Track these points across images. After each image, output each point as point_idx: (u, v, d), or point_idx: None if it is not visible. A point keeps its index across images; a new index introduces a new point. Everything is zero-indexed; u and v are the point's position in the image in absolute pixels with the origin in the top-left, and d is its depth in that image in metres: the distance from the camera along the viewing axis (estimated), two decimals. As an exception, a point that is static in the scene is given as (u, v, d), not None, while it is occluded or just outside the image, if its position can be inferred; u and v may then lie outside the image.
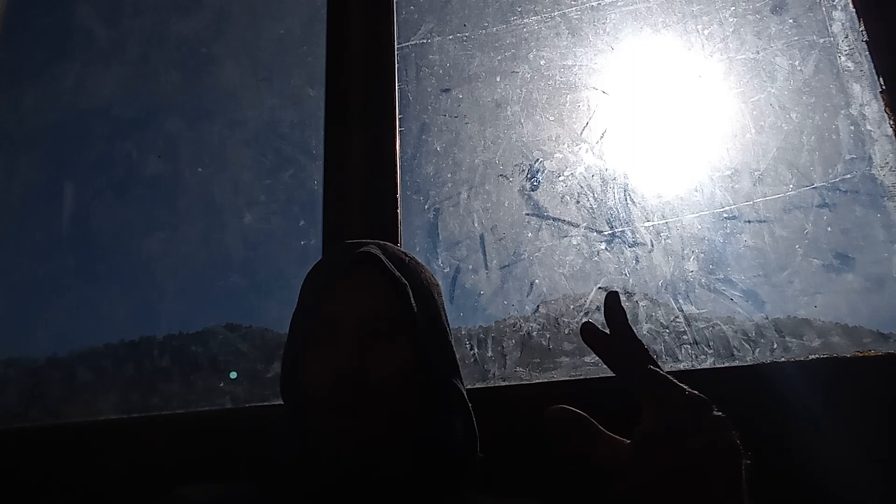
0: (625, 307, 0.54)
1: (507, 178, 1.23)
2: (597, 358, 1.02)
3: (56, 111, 1.62)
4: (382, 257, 0.73)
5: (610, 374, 0.52)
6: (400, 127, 1.29)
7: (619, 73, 1.27)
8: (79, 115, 1.60)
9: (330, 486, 0.68)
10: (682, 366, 1.02)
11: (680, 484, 0.43)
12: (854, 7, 1.17)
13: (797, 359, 0.96)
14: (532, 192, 1.21)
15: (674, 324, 1.05)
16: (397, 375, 0.69)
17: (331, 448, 0.67)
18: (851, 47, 1.16)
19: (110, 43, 1.65)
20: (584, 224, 1.16)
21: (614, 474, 0.46)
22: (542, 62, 1.31)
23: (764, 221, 1.10)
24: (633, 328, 0.53)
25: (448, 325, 0.80)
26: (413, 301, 0.72)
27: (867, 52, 1.13)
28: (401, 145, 1.27)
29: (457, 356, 0.79)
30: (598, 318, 1.05)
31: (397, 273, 0.72)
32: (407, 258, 0.80)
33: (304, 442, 0.72)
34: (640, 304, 1.08)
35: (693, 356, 1.02)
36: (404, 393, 0.70)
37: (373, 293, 0.72)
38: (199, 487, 0.74)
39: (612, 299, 0.54)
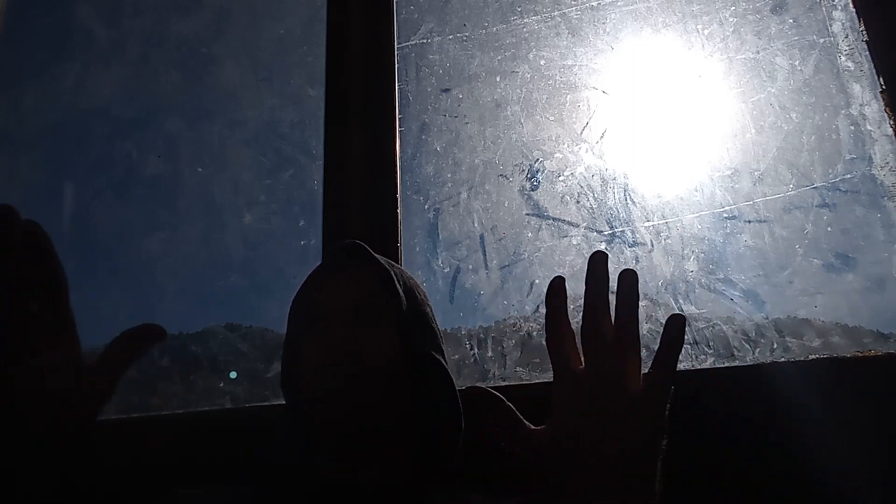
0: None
1: (507, 178, 1.23)
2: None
3: (56, 111, 1.62)
4: (365, 246, 0.78)
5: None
6: (400, 127, 1.29)
7: (619, 73, 1.27)
8: (79, 115, 1.60)
9: (329, 488, 0.68)
10: (682, 366, 1.02)
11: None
12: (854, 7, 1.16)
13: (797, 359, 0.95)
14: (532, 192, 1.21)
15: (674, 324, 1.05)
16: (385, 354, 0.72)
17: (323, 412, 0.69)
18: (851, 47, 1.16)
19: (110, 43, 1.65)
20: (584, 224, 1.16)
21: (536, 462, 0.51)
22: (542, 62, 1.30)
23: (764, 221, 1.10)
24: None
25: (433, 313, 0.83)
26: (397, 284, 0.76)
27: (867, 52, 1.13)
28: (401, 145, 1.27)
29: (442, 340, 0.81)
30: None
31: (381, 259, 0.78)
32: (391, 264, 0.84)
33: (303, 442, 0.73)
34: (640, 304, 1.07)
35: (693, 356, 1.02)
36: (390, 370, 0.72)
37: (358, 279, 0.77)
38: (198, 489, 0.74)
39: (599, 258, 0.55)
